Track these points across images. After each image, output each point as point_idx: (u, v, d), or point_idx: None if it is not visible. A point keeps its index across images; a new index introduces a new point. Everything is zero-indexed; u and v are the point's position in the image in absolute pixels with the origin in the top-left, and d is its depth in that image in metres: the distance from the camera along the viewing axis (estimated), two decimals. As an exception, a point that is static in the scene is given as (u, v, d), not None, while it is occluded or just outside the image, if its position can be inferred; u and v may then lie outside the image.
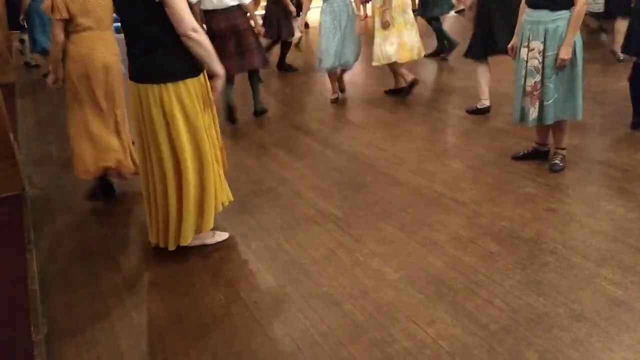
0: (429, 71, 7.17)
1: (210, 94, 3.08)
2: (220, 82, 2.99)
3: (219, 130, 3.28)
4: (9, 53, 8.58)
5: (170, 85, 2.88)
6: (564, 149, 3.99)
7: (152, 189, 3.13)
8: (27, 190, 4.33)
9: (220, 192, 3.25)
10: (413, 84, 5.75)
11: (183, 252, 3.25)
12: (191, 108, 2.94)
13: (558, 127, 3.90)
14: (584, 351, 2.33)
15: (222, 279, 3.03)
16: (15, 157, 4.38)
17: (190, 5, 2.89)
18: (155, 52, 2.87)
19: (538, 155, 4.12)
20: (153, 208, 3.18)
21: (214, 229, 3.33)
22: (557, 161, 3.94)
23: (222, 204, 3.29)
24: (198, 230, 3.17)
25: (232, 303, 2.83)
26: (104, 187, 4.05)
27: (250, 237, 3.43)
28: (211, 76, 2.99)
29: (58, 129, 5.81)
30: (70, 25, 3.58)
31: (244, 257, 3.24)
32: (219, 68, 2.95)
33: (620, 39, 5.41)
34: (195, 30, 2.79)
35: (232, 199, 3.41)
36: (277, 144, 4.97)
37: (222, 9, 5.09)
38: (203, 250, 3.29)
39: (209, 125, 3.12)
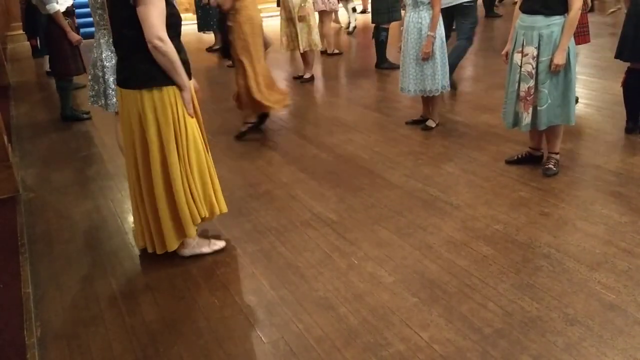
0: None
1: (196, 101, 3.06)
2: (185, 95, 2.91)
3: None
4: (4, 55, 8.55)
5: (145, 92, 2.83)
6: (557, 153, 4.01)
7: (134, 192, 3.13)
8: (21, 193, 4.32)
9: (205, 201, 3.15)
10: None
11: (177, 255, 3.24)
12: (163, 118, 2.87)
13: (552, 131, 3.92)
14: (577, 355, 2.33)
15: (217, 283, 3.03)
16: (9, 159, 4.36)
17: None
18: (133, 57, 2.82)
19: (532, 160, 4.14)
20: (135, 211, 3.18)
21: (210, 237, 3.34)
22: (550, 165, 3.96)
23: (211, 214, 3.20)
24: (181, 235, 3.13)
25: (227, 307, 2.83)
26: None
27: (245, 240, 3.42)
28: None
29: (52, 132, 5.81)
30: None
31: (238, 260, 3.24)
32: (182, 81, 2.87)
33: None
34: (160, 39, 2.70)
35: (225, 210, 3.31)
36: (273, 147, 4.97)
37: None
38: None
39: (192, 133, 3.00)
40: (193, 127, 3.02)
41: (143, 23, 2.69)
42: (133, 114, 2.91)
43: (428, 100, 5.06)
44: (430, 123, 5.06)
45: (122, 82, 2.94)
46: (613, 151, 4.28)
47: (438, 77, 4.77)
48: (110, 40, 3.87)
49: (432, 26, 4.63)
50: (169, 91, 2.87)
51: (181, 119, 2.93)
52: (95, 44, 3.99)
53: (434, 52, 4.69)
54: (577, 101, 5.11)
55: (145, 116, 2.87)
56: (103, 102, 4.02)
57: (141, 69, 2.82)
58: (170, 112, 2.89)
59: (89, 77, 4.09)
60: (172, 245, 3.12)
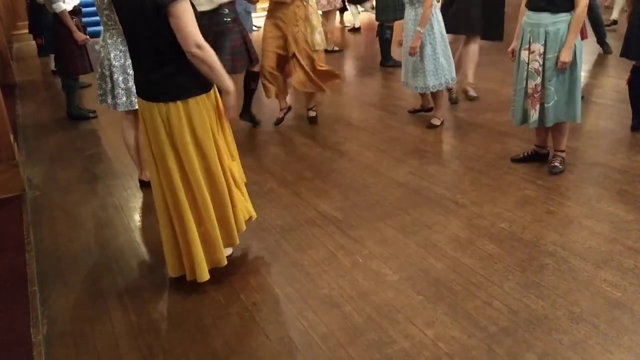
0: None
1: (222, 108, 2.91)
2: (230, 99, 2.80)
3: (234, 144, 3.15)
4: (10, 54, 8.59)
5: (179, 104, 2.68)
6: (563, 151, 4.00)
7: (166, 215, 2.90)
8: (27, 191, 4.34)
9: (240, 213, 3.05)
10: None
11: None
12: (201, 128, 2.74)
13: (558, 129, 3.91)
14: (583, 353, 2.33)
15: (222, 280, 3.03)
16: (15, 158, 4.38)
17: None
18: (164, 68, 2.68)
19: (538, 158, 4.12)
20: (171, 236, 2.93)
21: None
22: (556, 163, 3.95)
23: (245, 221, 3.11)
24: (214, 264, 2.97)
25: (232, 304, 2.83)
26: None
27: (250, 238, 3.43)
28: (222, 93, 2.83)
29: (58, 130, 5.83)
30: None
31: (243, 258, 3.24)
32: (226, 85, 2.75)
33: None
34: (199, 47, 2.56)
35: (253, 214, 3.21)
36: (277, 145, 4.97)
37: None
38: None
39: (223, 143, 2.93)
40: (220, 135, 2.93)
41: (179, 33, 2.55)
42: (162, 128, 2.73)
43: (432, 96, 5.06)
44: (435, 121, 5.04)
45: (147, 95, 2.76)
46: (619, 149, 4.26)
47: (440, 73, 4.77)
48: (119, 39, 3.89)
49: (421, 22, 4.63)
50: (204, 99, 2.77)
51: (215, 126, 2.85)
52: (102, 44, 4.01)
53: (435, 48, 4.70)
54: (582, 98, 5.08)
55: (180, 130, 2.71)
56: (111, 101, 4.03)
57: (173, 80, 2.69)
58: (208, 120, 2.78)
59: (97, 75, 4.11)
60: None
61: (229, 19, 4.77)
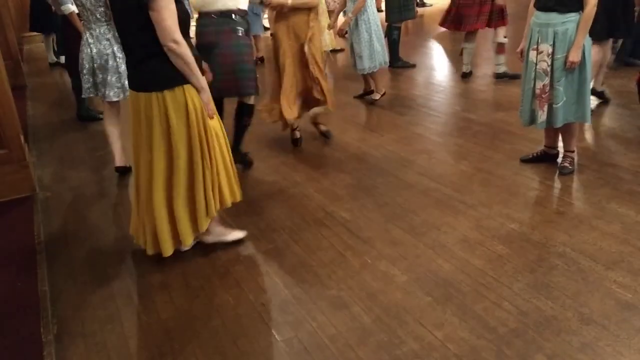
0: (436, 74, 7.16)
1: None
2: (203, 96, 2.94)
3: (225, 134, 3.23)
4: (20, 56, 8.65)
5: (167, 93, 2.85)
6: (573, 151, 3.98)
7: (138, 195, 3.14)
8: (37, 192, 4.37)
9: (231, 190, 3.22)
10: None
11: (192, 253, 3.27)
12: (186, 116, 2.90)
13: (567, 130, 3.89)
14: (593, 355, 2.32)
15: (231, 281, 3.04)
16: (26, 159, 4.42)
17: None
18: (152, 60, 2.82)
19: (547, 158, 4.11)
20: (140, 213, 3.17)
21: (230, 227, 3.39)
22: (566, 164, 3.93)
23: (233, 199, 3.27)
24: (195, 231, 3.17)
25: (241, 305, 2.84)
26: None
27: (259, 238, 3.44)
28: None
29: (68, 131, 5.86)
30: None
31: (252, 259, 3.25)
32: (198, 82, 2.89)
33: None
34: (175, 42, 2.73)
35: (238, 199, 3.32)
36: (286, 146, 4.98)
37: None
38: (212, 251, 3.30)
39: (217, 129, 3.08)
40: (214, 120, 3.08)
41: (157, 26, 2.71)
42: (154, 115, 2.89)
43: (371, 77, 5.97)
44: (375, 96, 5.96)
45: (140, 86, 2.91)
46: (629, 149, 4.23)
47: (374, 57, 5.75)
48: (117, 34, 3.99)
49: (354, 10, 5.56)
50: (190, 89, 2.90)
51: (204, 114, 2.98)
52: (91, 40, 4.32)
53: (371, 33, 5.64)
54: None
55: (169, 116, 2.88)
56: (104, 91, 4.42)
57: (162, 70, 2.83)
58: (193, 108, 2.91)
59: (84, 71, 4.45)
60: (188, 240, 3.16)
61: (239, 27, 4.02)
